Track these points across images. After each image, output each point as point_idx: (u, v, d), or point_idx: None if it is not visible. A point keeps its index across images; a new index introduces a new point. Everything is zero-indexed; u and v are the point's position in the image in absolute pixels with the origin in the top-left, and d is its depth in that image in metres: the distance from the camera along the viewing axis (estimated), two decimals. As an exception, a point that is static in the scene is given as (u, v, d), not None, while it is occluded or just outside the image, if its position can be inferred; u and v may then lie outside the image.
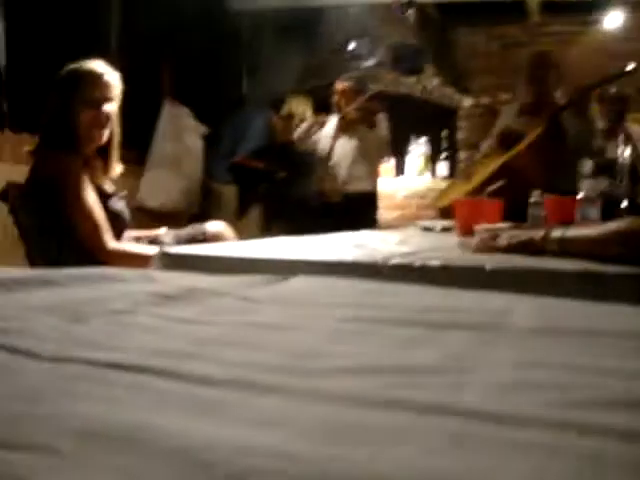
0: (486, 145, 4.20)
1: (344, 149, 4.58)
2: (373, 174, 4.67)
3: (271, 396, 0.48)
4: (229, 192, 5.30)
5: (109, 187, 2.33)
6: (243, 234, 3.01)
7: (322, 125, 4.72)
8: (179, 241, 2.44)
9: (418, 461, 0.36)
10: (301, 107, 5.22)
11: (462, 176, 4.26)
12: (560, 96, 3.92)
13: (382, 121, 4.53)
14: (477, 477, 0.35)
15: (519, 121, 3.96)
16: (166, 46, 5.10)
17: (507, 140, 3.91)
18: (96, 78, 2.22)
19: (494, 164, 3.82)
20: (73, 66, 2.24)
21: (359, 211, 4.52)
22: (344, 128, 4.57)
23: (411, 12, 4.96)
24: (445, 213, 3.93)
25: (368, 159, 4.58)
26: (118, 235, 2.28)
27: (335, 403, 0.47)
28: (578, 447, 0.39)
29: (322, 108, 5.00)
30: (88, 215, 2.14)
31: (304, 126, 4.76)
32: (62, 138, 2.19)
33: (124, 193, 2.41)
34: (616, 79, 3.95)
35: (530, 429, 0.42)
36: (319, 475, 0.34)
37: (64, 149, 2.16)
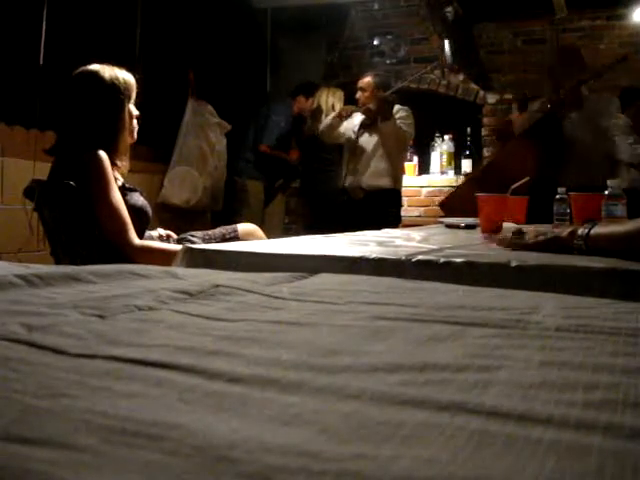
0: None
1: (366, 146, 4.57)
2: (395, 171, 4.64)
3: (295, 393, 0.48)
4: (255, 188, 5.31)
5: (128, 183, 2.36)
6: (267, 230, 3.02)
7: (348, 116, 4.71)
8: (209, 240, 2.46)
9: (439, 460, 0.36)
10: (331, 100, 5.19)
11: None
12: (585, 91, 3.91)
13: (401, 112, 4.50)
14: (497, 476, 0.34)
15: (537, 116, 3.97)
16: (190, 45, 5.12)
17: (503, 134, 3.96)
18: (134, 81, 2.36)
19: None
20: (108, 70, 2.28)
21: (382, 208, 4.51)
22: (366, 125, 4.56)
23: (450, 10, 4.95)
24: (446, 209, 3.98)
25: (388, 155, 4.56)
26: (141, 230, 2.29)
27: (358, 401, 0.46)
28: (601, 447, 0.38)
29: (352, 102, 4.98)
30: (115, 212, 2.16)
31: (329, 118, 4.74)
32: (102, 136, 2.23)
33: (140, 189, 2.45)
34: (606, 72, 3.95)
35: (552, 429, 0.41)
36: (342, 473, 0.34)
37: (99, 147, 2.19)
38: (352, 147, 4.61)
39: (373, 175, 4.53)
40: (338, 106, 5.09)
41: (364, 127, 4.57)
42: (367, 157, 4.54)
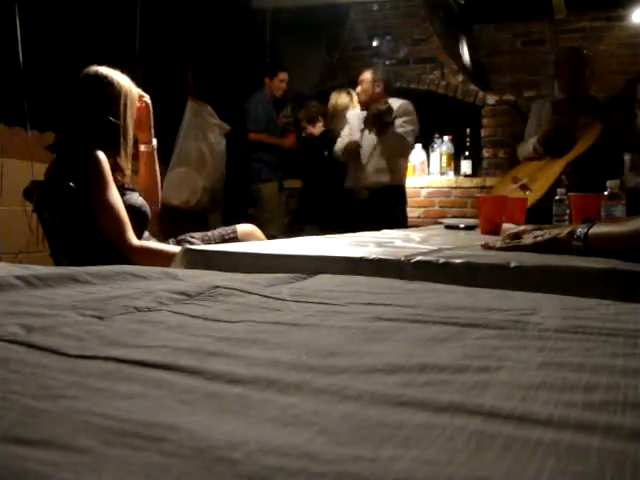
0: (530, 146, 4.00)
1: (367, 145, 4.57)
2: (397, 167, 4.65)
3: (294, 394, 0.48)
4: (270, 189, 5.31)
5: (127, 183, 2.35)
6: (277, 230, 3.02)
7: (343, 114, 4.72)
8: (208, 241, 2.46)
9: (439, 461, 0.36)
10: (340, 100, 5.14)
11: (512, 184, 4.10)
12: (595, 91, 3.87)
13: (404, 117, 4.50)
14: (497, 477, 0.34)
15: (556, 119, 3.87)
16: (189, 46, 5.13)
17: (553, 141, 3.79)
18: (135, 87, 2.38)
19: (553, 169, 3.71)
20: (107, 71, 2.28)
21: (388, 206, 4.51)
22: (371, 124, 4.56)
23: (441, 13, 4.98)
24: None
25: (390, 154, 4.57)
26: (140, 231, 2.29)
27: (358, 402, 0.46)
28: (601, 448, 0.38)
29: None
30: (113, 213, 2.16)
31: (342, 145, 4.73)
32: (104, 138, 2.23)
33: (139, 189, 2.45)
34: None
35: (552, 430, 0.41)
36: (341, 474, 0.34)
37: (100, 149, 2.19)
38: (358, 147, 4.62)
39: (375, 172, 4.54)
40: (351, 106, 4.97)
41: (368, 125, 4.58)
42: (368, 155, 4.54)
